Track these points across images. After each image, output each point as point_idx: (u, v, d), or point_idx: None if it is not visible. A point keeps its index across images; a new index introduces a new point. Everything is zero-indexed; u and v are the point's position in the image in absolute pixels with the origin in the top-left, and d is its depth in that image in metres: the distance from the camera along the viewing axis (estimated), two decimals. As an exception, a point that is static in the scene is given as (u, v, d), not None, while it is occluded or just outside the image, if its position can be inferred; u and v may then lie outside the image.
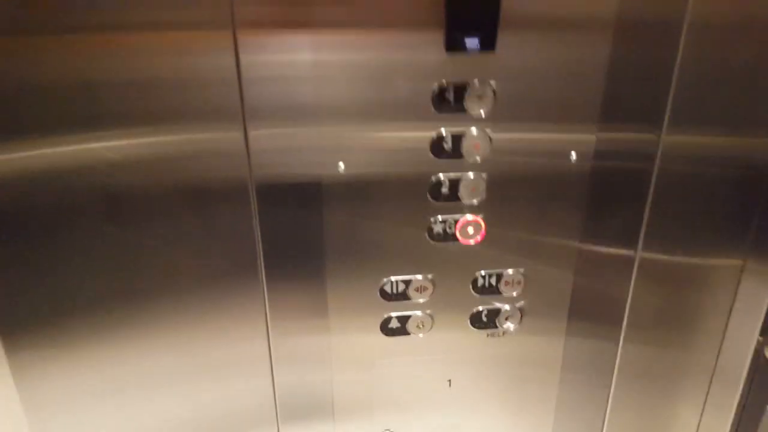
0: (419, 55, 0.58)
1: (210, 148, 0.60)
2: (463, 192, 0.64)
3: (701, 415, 0.83)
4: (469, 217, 0.66)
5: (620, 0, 0.57)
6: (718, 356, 0.80)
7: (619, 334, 0.75)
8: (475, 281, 0.71)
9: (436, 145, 0.62)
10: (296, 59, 0.57)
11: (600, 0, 0.57)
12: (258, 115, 0.58)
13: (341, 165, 0.62)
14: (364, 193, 0.64)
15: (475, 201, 0.65)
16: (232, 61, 0.56)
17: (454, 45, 0.56)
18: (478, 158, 0.63)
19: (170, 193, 0.61)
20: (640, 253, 0.71)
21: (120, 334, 0.67)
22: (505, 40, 0.57)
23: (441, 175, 0.64)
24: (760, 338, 0.76)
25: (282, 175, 0.62)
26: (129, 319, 0.67)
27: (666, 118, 0.63)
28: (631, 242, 0.70)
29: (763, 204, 0.69)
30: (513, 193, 0.66)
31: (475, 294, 0.71)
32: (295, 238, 0.66)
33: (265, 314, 0.69)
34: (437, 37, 0.56)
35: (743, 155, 0.66)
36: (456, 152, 0.62)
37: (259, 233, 0.64)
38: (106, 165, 0.59)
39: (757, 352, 0.76)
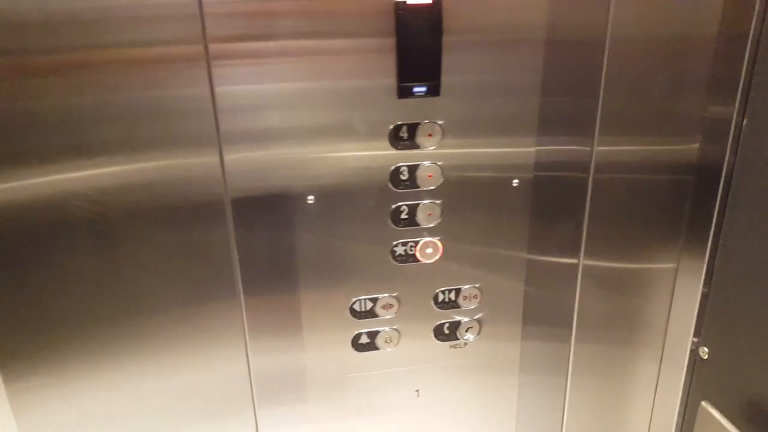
0: (376, 100, 0.66)
1: (188, 172, 0.66)
2: (420, 217, 0.72)
3: (652, 409, 0.91)
4: (427, 239, 0.73)
5: (547, 27, 0.66)
6: (662, 353, 0.88)
7: (571, 337, 0.83)
8: (436, 297, 0.78)
9: (394, 176, 0.69)
10: (267, 89, 0.64)
11: (529, 30, 0.66)
12: (232, 141, 0.65)
13: (311, 198, 0.69)
14: (332, 220, 0.71)
15: (431, 224, 0.73)
16: (208, 91, 0.62)
17: (404, 93, 0.64)
18: (431, 186, 0.71)
19: (152, 218, 0.67)
20: (582, 261, 0.79)
21: (106, 356, 0.72)
22: (448, 84, 0.65)
23: (400, 203, 0.71)
24: (695, 339, 0.84)
25: (256, 198, 0.68)
26: (114, 342, 0.72)
27: (596, 129, 0.71)
28: (573, 251, 0.78)
29: (689, 208, 0.78)
30: (465, 215, 0.73)
31: (436, 309, 0.78)
32: (270, 261, 0.72)
33: (244, 334, 0.75)
34: (392, 85, 0.65)
35: (668, 161, 0.75)
36: (412, 182, 0.70)
37: (237, 256, 0.70)
38: (91, 192, 0.64)
39: (693, 352, 0.85)
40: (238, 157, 0.66)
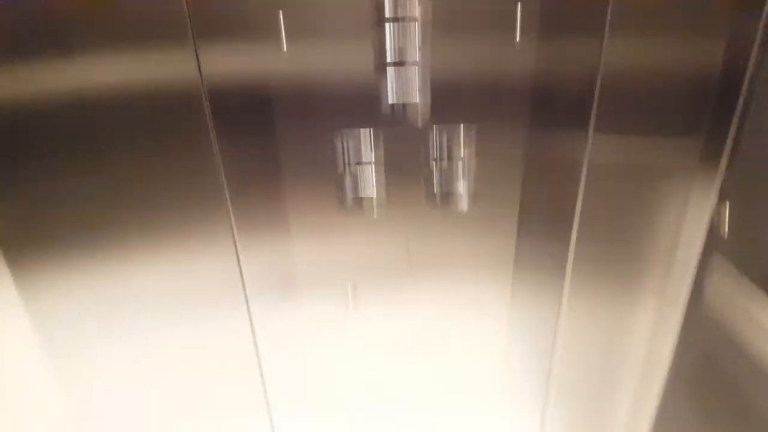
0: None
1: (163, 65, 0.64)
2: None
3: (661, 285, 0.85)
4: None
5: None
6: (676, 240, 0.81)
7: (575, 208, 0.78)
8: (427, 155, 0.73)
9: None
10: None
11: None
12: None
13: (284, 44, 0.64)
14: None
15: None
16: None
17: None
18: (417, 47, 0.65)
19: (134, 115, 0.67)
20: (591, 137, 0.72)
21: (100, 248, 0.75)
22: None
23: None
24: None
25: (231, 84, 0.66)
26: (109, 235, 0.75)
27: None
28: (581, 125, 0.71)
29: (711, 95, 0.68)
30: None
31: (428, 167, 0.74)
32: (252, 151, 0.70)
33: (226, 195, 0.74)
34: None
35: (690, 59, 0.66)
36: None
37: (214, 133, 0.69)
38: (76, 86, 0.64)
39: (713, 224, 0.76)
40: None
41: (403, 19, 0.64)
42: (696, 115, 0.70)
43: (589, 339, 0.90)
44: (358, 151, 0.73)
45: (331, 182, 0.74)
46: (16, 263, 0.74)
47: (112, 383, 0.87)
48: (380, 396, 0.98)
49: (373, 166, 0.74)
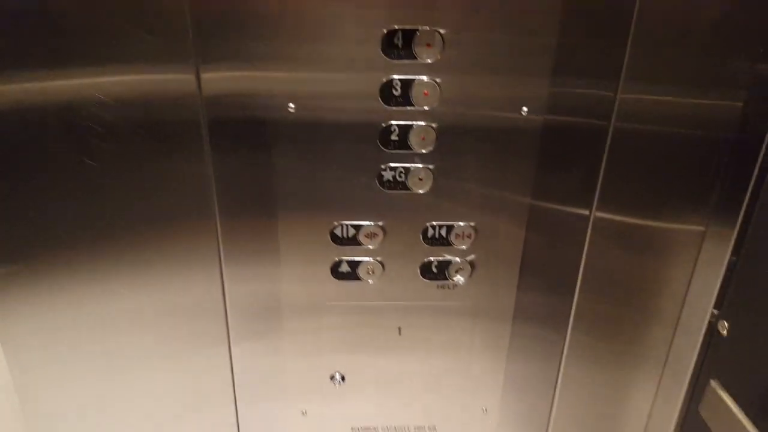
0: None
1: (164, 89, 0.61)
2: (412, 140, 0.65)
3: (659, 380, 0.83)
4: (418, 165, 0.67)
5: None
6: (677, 322, 0.79)
7: (574, 291, 0.75)
8: (425, 231, 0.71)
9: (386, 91, 0.62)
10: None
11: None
12: (210, 58, 0.60)
13: (291, 106, 0.63)
14: (314, 138, 0.65)
15: (424, 150, 0.66)
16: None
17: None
18: (426, 106, 0.63)
19: (132, 135, 0.63)
20: (594, 213, 0.70)
21: (80, 269, 0.70)
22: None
23: (391, 122, 0.64)
24: (715, 311, 0.75)
25: (234, 118, 0.63)
26: (89, 256, 0.69)
27: (622, 76, 0.62)
28: (585, 201, 0.70)
29: (725, 168, 0.68)
30: (464, 144, 0.66)
31: (425, 244, 0.72)
32: (248, 183, 0.67)
33: (219, 258, 0.71)
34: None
35: (702, 116, 0.65)
36: (405, 99, 0.63)
37: (214, 179, 0.66)
38: (74, 103, 0.60)
39: (711, 325, 0.76)
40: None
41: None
42: (711, 171, 0.68)
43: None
44: (356, 238, 0.72)
45: (328, 223, 0.71)
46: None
47: (81, 411, 0.80)
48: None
49: (370, 244, 0.72)
